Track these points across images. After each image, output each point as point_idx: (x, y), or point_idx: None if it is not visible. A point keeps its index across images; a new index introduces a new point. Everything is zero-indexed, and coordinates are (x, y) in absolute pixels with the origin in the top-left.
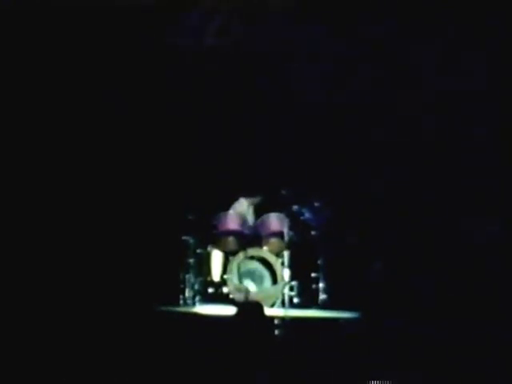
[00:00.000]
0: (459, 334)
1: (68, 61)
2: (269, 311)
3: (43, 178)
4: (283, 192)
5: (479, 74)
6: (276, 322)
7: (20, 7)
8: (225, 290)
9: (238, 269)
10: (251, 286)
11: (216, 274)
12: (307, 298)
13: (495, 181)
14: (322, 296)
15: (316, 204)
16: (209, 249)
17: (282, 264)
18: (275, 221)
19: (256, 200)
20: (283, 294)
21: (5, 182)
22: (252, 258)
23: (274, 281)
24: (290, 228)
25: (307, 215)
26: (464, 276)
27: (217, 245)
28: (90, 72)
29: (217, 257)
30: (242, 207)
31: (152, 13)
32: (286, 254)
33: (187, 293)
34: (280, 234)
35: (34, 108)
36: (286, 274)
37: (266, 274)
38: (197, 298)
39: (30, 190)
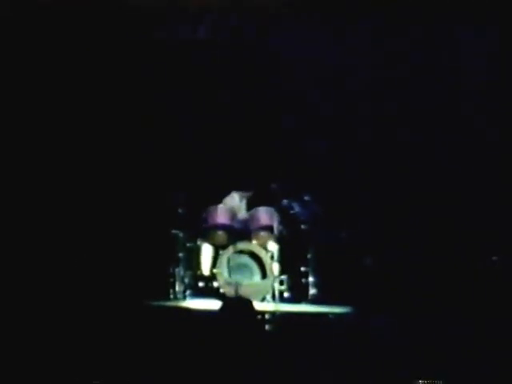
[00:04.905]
0: (450, 330)
1: (63, 59)
2: (259, 305)
3: (33, 172)
4: (273, 186)
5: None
6: (266, 316)
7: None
8: (215, 284)
9: (228, 263)
10: (241, 279)
11: (206, 268)
12: (297, 293)
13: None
14: (312, 290)
15: (305, 198)
16: (198, 243)
17: (272, 258)
18: (264, 215)
19: (248, 194)
20: (273, 288)
21: None
22: (242, 251)
23: (264, 275)
24: (280, 222)
25: (297, 209)
26: (456, 271)
27: (206, 239)
28: (85, 69)
29: (206, 251)
30: (234, 201)
31: (146, 8)
32: (275, 248)
33: (177, 287)
34: (269, 228)
35: (27, 105)
36: (276, 268)
37: (256, 267)
38: (187, 292)
39: (21, 183)
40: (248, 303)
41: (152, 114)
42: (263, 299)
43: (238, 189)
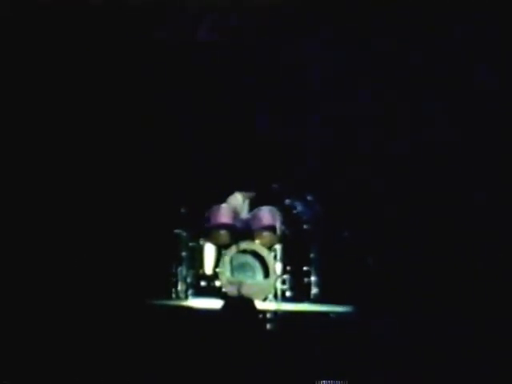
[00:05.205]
0: (451, 329)
1: (63, 59)
2: (261, 305)
3: (33, 172)
4: (275, 185)
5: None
6: (268, 315)
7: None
8: (217, 283)
9: (231, 262)
10: (243, 279)
11: (208, 268)
12: (299, 292)
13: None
14: (315, 290)
15: (308, 198)
16: (201, 242)
17: (275, 257)
18: (267, 214)
19: (252, 194)
20: (275, 288)
21: None
22: (244, 251)
23: (266, 274)
24: (282, 222)
25: (299, 209)
26: (456, 271)
27: (209, 238)
28: (84, 69)
29: (209, 250)
30: (237, 201)
31: (146, 9)
32: (278, 247)
33: (179, 286)
34: (272, 228)
35: (27, 105)
36: (278, 267)
37: (259, 267)
38: (189, 292)
39: (21, 184)
40: (250, 302)
41: (152, 114)
42: (265, 298)
43: (240, 188)
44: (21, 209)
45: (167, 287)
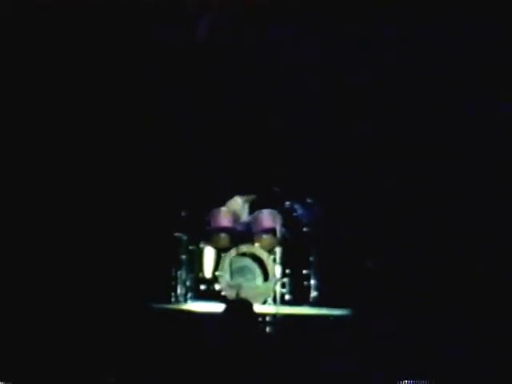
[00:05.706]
0: (450, 332)
1: (63, 59)
2: (260, 308)
3: (33, 173)
4: (275, 188)
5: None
6: (267, 318)
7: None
8: (216, 286)
9: (230, 265)
10: (243, 282)
11: (208, 271)
12: (299, 295)
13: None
14: (314, 293)
15: (308, 201)
16: (201, 245)
17: (274, 261)
18: (267, 217)
19: (251, 198)
20: (275, 291)
21: None
22: (244, 254)
23: (266, 277)
24: (282, 224)
25: (299, 212)
26: (456, 271)
27: (209, 241)
28: (85, 69)
29: (209, 253)
30: (237, 204)
31: (146, 9)
32: (278, 250)
33: (179, 289)
34: (272, 231)
35: (27, 105)
36: (278, 270)
37: (258, 270)
38: (189, 295)
39: (21, 184)
40: (249, 306)
41: (152, 114)
42: (265, 302)
43: (240, 190)
44: (20, 211)
45: (167, 290)
